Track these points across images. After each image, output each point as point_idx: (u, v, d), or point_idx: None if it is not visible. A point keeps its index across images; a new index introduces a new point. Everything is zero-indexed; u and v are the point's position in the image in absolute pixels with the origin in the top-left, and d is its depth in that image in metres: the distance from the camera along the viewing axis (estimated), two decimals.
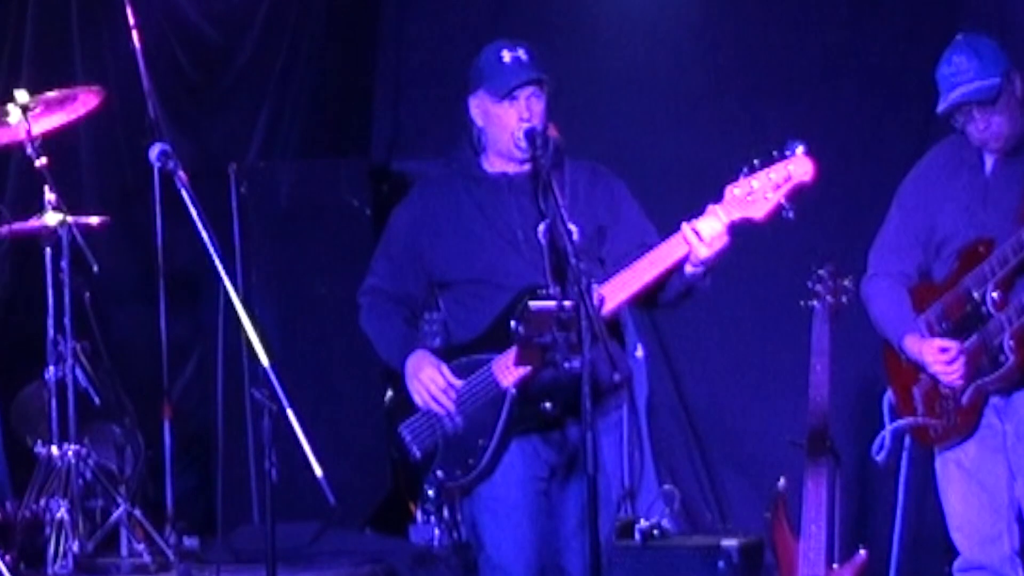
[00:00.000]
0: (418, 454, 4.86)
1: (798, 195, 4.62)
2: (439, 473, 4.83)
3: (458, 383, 4.78)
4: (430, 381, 4.78)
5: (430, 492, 4.86)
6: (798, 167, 4.61)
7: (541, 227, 4.78)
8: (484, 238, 4.87)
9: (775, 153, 4.62)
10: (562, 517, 4.86)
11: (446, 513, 7.05)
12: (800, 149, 4.61)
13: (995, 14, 6.96)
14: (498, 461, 4.79)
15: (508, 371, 4.75)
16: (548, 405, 4.76)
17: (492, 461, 4.79)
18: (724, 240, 4.64)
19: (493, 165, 4.93)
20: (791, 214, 4.61)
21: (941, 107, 5.21)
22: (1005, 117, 5.16)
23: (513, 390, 4.75)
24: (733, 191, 4.63)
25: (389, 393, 4.96)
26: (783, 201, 4.61)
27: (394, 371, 4.91)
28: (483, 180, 4.93)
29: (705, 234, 4.62)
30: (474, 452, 4.79)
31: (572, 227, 4.71)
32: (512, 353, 4.73)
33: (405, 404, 4.88)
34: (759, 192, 4.61)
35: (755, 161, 4.62)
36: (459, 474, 4.81)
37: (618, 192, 4.98)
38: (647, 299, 4.81)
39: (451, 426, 4.81)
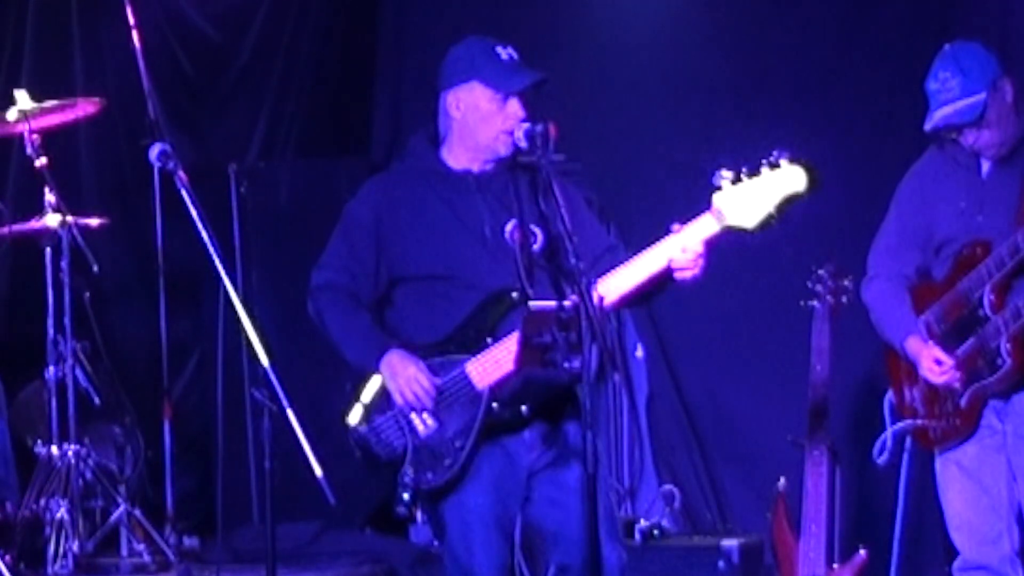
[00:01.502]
0: (388, 456, 4.77)
1: (789, 205, 4.61)
2: (410, 474, 4.73)
3: (438, 382, 4.71)
4: (414, 381, 4.69)
5: (405, 495, 4.78)
6: (790, 177, 4.58)
7: (510, 226, 4.76)
8: (451, 233, 4.78)
9: (764, 162, 4.60)
10: (560, 516, 4.81)
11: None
12: (786, 159, 4.59)
13: (995, 16, 6.95)
14: (473, 463, 4.74)
15: (484, 373, 4.71)
16: (521, 410, 4.72)
17: (467, 463, 4.72)
18: (701, 256, 4.63)
19: (458, 161, 4.85)
20: (777, 223, 4.60)
21: (927, 126, 5.20)
22: (994, 128, 5.15)
23: (489, 392, 4.71)
24: (724, 199, 4.60)
25: (347, 387, 4.88)
26: (772, 211, 4.59)
27: (359, 369, 4.82)
28: (447, 176, 4.84)
29: (690, 248, 4.61)
30: (450, 454, 4.72)
31: (535, 229, 4.72)
32: (487, 354, 4.70)
33: (367, 403, 4.80)
34: (750, 201, 4.59)
35: (743, 170, 4.60)
36: (431, 476, 4.73)
37: (577, 198, 4.93)
38: (639, 298, 4.78)
39: (424, 428, 4.74)
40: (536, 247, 4.73)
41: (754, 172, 4.58)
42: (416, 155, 4.93)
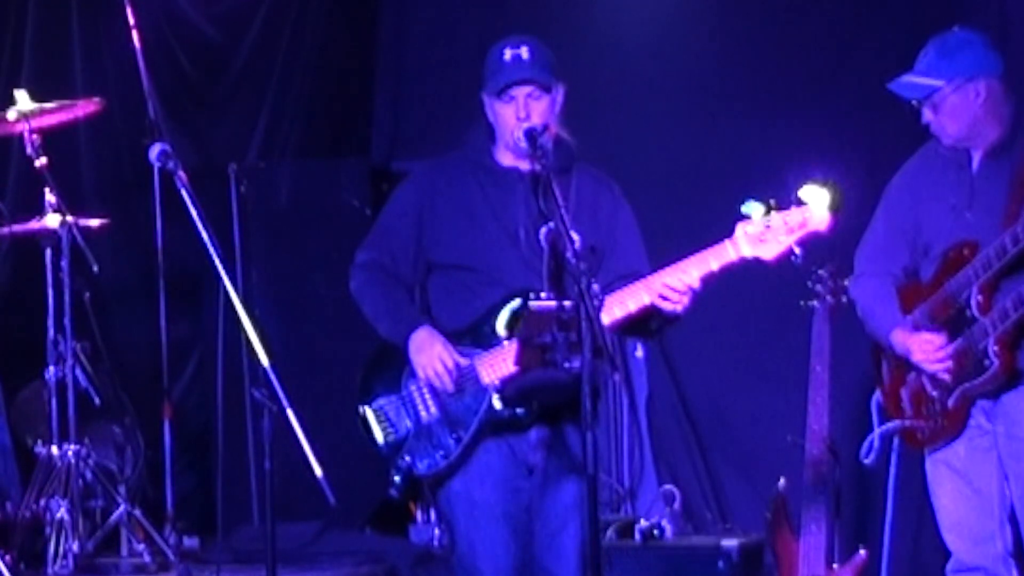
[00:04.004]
0: (389, 437, 4.84)
1: (810, 242, 4.63)
2: (407, 459, 4.81)
3: (465, 362, 4.76)
4: (437, 359, 4.75)
5: (396, 478, 4.84)
6: (815, 216, 4.61)
7: (544, 229, 4.77)
8: (485, 227, 4.84)
9: (793, 197, 4.61)
10: (546, 515, 4.85)
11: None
12: (824, 200, 4.60)
13: (995, 16, 6.94)
14: (470, 457, 4.79)
15: (491, 369, 4.75)
16: (520, 411, 4.76)
17: (464, 456, 4.78)
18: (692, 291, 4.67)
19: (505, 158, 4.91)
20: (800, 260, 4.63)
21: (889, 85, 5.23)
22: (951, 120, 5.14)
23: (494, 389, 4.75)
24: (746, 229, 4.63)
25: (363, 372, 4.95)
26: (794, 246, 4.62)
27: (390, 345, 4.88)
28: (494, 170, 4.91)
29: (686, 281, 4.64)
30: (446, 445, 4.79)
31: (574, 235, 4.71)
32: (496, 352, 4.74)
33: (377, 382, 4.88)
34: (772, 233, 4.61)
35: (771, 201, 4.62)
36: (425, 464, 4.80)
37: (621, 216, 4.96)
38: (636, 326, 4.80)
39: (427, 415, 4.80)
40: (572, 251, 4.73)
41: (783, 206, 4.61)
42: (470, 147, 4.99)
